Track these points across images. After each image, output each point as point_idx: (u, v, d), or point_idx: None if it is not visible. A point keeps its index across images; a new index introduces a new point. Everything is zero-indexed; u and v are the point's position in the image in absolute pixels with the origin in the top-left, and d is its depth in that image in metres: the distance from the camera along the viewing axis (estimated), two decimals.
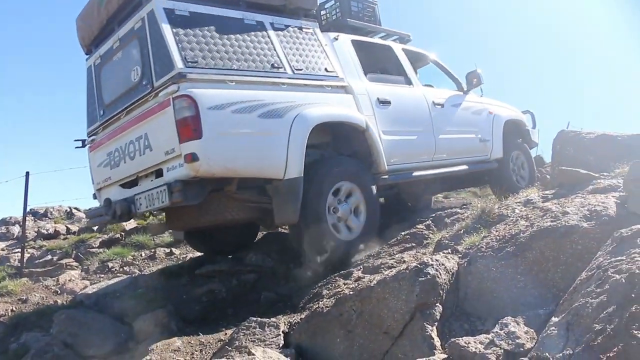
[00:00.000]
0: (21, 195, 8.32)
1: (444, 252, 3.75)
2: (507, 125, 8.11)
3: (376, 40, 7.26)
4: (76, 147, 6.35)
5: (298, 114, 5.21)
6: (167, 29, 4.79)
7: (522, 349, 2.48)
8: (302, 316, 3.75)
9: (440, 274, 3.20)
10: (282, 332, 3.61)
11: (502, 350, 2.49)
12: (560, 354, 2.19)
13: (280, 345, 3.48)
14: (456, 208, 6.12)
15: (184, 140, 4.59)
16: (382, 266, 4.27)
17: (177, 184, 4.59)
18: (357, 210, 5.66)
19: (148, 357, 3.76)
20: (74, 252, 8.37)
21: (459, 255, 3.62)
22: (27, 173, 8.32)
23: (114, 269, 7.28)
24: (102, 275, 7.12)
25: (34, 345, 4.80)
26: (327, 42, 6.15)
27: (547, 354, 2.25)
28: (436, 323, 3.00)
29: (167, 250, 7.85)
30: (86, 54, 6.26)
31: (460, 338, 2.69)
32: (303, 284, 5.01)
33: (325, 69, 5.84)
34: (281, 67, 5.41)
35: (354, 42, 6.52)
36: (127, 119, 5.42)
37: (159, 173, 5.04)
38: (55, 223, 10.85)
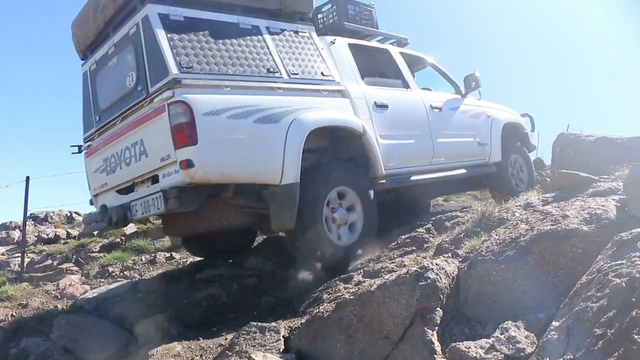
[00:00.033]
0: (21, 200, 8.33)
1: (444, 256, 3.74)
2: (506, 128, 8.09)
3: (373, 43, 7.24)
4: (72, 153, 6.34)
5: (294, 119, 5.18)
6: (161, 35, 4.77)
7: (522, 354, 2.48)
8: (303, 321, 3.74)
9: (441, 278, 3.20)
10: (283, 336, 3.61)
11: (503, 355, 2.49)
12: (561, 359, 2.18)
13: (281, 350, 3.48)
14: (456, 211, 6.12)
15: (179, 147, 4.56)
16: (383, 270, 4.27)
17: (173, 190, 4.57)
18: (355, 215, 5.63)
19: None
20: (74, 256, 8.35)
21: (460, 259, 3.61)
22: (28, 178, 8.32)
23: (114, 274, 7.27)
24: (103, 280, 7.11)
25: (34, 351, 4.79)
26: (324, 45, 6.12)
27: (547, 359, 2.25)
28: (436, 327, 2.99)
29: (168, 255, 7.84)
30: (82, 60, 6.24)
31: (460, 343, 2.68)
32: (303, 288, 5.01)
33: (322, 73, 5.81)
34: (277, 72, 5.38)
35: (350, 45, 6.50)
36: (122, 124, 5.40)
37: (155, 179, 5.01)
38: (55, 227, 10.82)
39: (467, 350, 2.57)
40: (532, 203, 4.33)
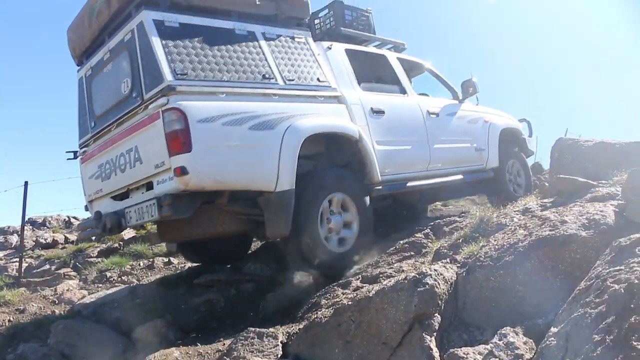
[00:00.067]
0: (20, 205, 8.33)
1: (442, 262, 3.74)
2: (503, 134, 8.06)
3: (370, 49, 7.22)
4: (68, 159, 6.33)
5: (290, 125, 5.16)
6: (156, 41, 4.75)
7: None
8: (301, 326, 3.73)
9: (439, 284, 3.20)
10: (281, 342, 3.60)
11: None
12: None
13: (279, 356, 3.47)
14: (454, 216, 6.12)
15: (174, 154, 4.54)
16: (381, 275, 4.25)
17: (167, 197, 4.55)
18: (350, 221, 5.60)
19: None
20: (72, 261, 8.35)
21: (458, 265, 3.61)
22: (26, 183, 8.34)
23: (112, 279, 7.27)
24: (100, 285, 7.10)
25: (31, 356, 4.79)
26: (320, 51, 6.10)
27: None
28: (435, 333, 2.99)
29: (166, 260, 7.84)
30: (77, 65, 6.23)
31: (459, 349, 2.68)
32: (302, 293, 4.99)
33: (318, 79, 5.79)
34: (272, 78, 5.35)
35: (347, 51, 6.47)
36: (117, 131, 5.39)
37: (149, 185, 4.99)
38: (53, 232, 10.83)
39: (465, 356, 2.57)
40: (530, 208, 4.33)
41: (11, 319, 5.87)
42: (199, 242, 6.49)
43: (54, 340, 5.03)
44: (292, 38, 5.84)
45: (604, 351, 2.05)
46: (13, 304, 6.33)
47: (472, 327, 3.10)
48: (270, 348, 3.52)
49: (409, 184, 6.35)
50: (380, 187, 5.94)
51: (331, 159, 5.97)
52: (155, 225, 6.44)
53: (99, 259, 8.21)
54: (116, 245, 8.76)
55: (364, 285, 4.16)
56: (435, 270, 3.33)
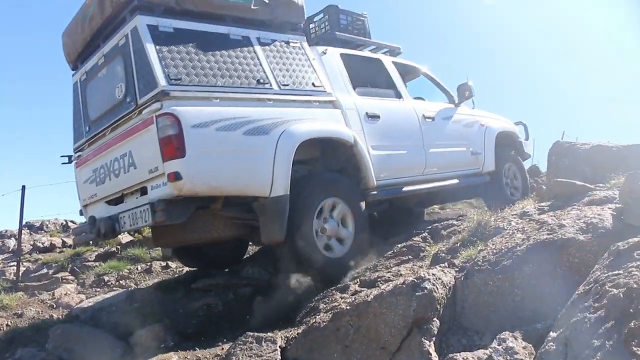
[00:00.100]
0: (17, 209, 8.32)
1: (440, 266, 3.74)
2: (500, 137, 8.05)
3: (365, 53, 7.19)
4: (62, 163, 6.32)
5: (284, 130, 5.14)
6: (150, 46, 4.74)
7: None
8: (299, 331, 3.73)
9: (437, 289, 3.20)
10: (279, 347, 3.59)
11: None
12: None
13: None
14: (452, 220, 6.12)
15: (167, 159, 4.52)
16: (379, 279, 4.26)
17: (160, 203, 4.53)
18: (346, 227, 5.59)
19: None
20: (70, 265, 8.33)
21: (456, 269, 3.61)
22: (23, 187, 8.33)
23: (110, 283, 7.25)
24: (98, 289, 7.09)
25: None
26: (315, 56, 6.08)
27: None
28: (434, 338, 2.99)
29: (163, 264, 7.82)
30: (72, 70, 6.21)
31: (457, 353, 2.69)
32: (300, 297, 4.99)
33: (313, 84, 5.77)
34: (267, 83, 5.33)
35: (342, 55, 6.45)
36: (111, 136, 5.37)
37: (144, 190, 4.97)
38: (51, 236, 10.78)
39: None
40: (528, 212, 4.33)
41: (9, 323, 5.85)
42: (194, 246, 6.47)
43: (52, 344, 5.01)
44: (287, 43, 5.83)
45: (603, 356, 2.06)
46: (11, 308, 6.31)
47: (471, 331, 3.10)
48: (269, 352, 3.51)
49: (405, 188, 6.32)
50: (375, 192, 5.92)
51: (326, 164, 5.96)
52: (151, 230, 6.43)
53: (97, 263, 8.19)
54: (114, 249, 8.74)
55: (363, 289, 4.16)
56: (433, 274, 3.33)
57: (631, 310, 2.14)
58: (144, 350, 4.65)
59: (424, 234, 5.27)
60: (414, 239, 5.22)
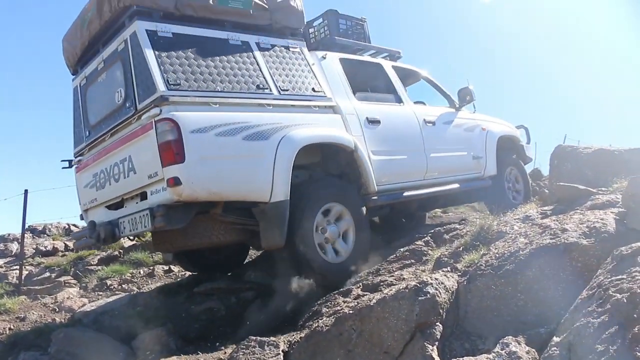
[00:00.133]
0: (20, 213, 8.32)
1: (443, 270, 3.74)
2: (501, 141, 8.03)
3: (365, 58, 7.19)
4: (63, 168, 6.32)
5: (284, 135, 5.13)
6: (149, 51, 4.73)
7: None
8: (302, 335, 3.72)
9: (440, 293, 3.20)
10: (282, 351, 3.58)
11: None
12: None
13: None
14: (454, 224, 6.10)
15: (167, 164, 4.52)
16: (382, 284, 4.25)
17: (160, 208, 4.52)
18: (346, 232, 5.57)
19: None
20: (73, 269, 8.32)
21: (459, 273, 3.61)
22: (26, 191, 8.34)
23: (112, 287, 7.25)
24: (101, 293, 7.09)
25: None
26: (315, 61, 6.07)
27: None
28: (437, 342, 2.99)
29: (166, 268, 7.83)
30: (72, 74, 6.22)
31: (460, 358, 2.69)
32: (302, 301, 4.98)
33: (313, 89, 5.75)
34: (267, 88, 5.32)
35: (342, 60, 6.44)
36: (111, 140, 5.37)
37: (144, 195, 4.97)
38: (53, 240, 10.78)
39: None
40: (530, 216, 4.33)
41: (12, 327, 5.86)
42: (195, 251, 6.46)
43: (55, 348, 5.01)
44: (287, 48, 5.83)
45: None
46: (13, 312, 6.32)
47: (474, 336, 3.10)
48: (272, 357, 3.51)
49: (406, 193, 6.30)
50: (376, 197, 5.90)
51: (327, 169, 5.97)
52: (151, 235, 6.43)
53: (99, 267, 8.19)
54: (116, 253, 8.74)
55: (365, 293, 4.15)
56: (436, 279, 3.33)
57: (635, 315, 2.14)
58: (146, 354, 4.66)
59: (426, 238, 5.26)
60: (417, 243, 5.21)
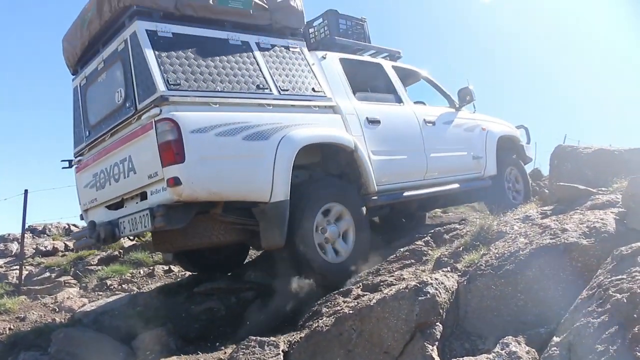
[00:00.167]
0: (20, 213, 8.32)
1: (443, 270, 3.74)
2: (501, 141, 8.03)
3: (365, 58, 7.19)
4: (63, 168, 6.32)
5: (284, 135, 5.13)
6: (149, 51, 4.73)
7: None
8: (302, 335, 3.72)
9: (440, 293, 3.20)
10: (282, 351, 3.58)
11: None
12: None
13: None
14: (454, 224, 6.10)
15: (167, 164, 4.52)
16: (382, 284, 4.25)
17: (160, 208, 4.51)
18: (346, 232, 5.57)
19: None
20: (73, 269, 8.32)
21: (459, 273, 3.61)
22: (26, 191, 8.34)
23: (112, 287, 7.25)
24: (101, 293, 7.09)
25: None
26: (315, 61, 6.07)
27: None
28: (437, 342, 2.99)
29: (166, 268, 7.83)
30: (72, 74, 6.22)
31: (461, 358, 2.68)
32: (302, 301, 4.99)
33: (313, 89, 5.75)
34: (267, 88, 5.32)
35: (342, 60, 6.44)
36: (111, 140, 5.37)
37: (144, 195, 4.96)
38: (53, 240, 10.78)
39: None
40: (530, 216, 4.33)
41: (12, 327, 5.86)
42: (195, 251, 6.45)
43: (55, 348, 5.01)
44: (287, 48, 5.83)
45: None
46: (13, 312, 6.32)
47: (474, 336, 3.11)
48: (272, 357, 3.51)
49: (406, 193, 6.30)
50: (376, 197, 5.90)
51: (327, 169, 5.97)
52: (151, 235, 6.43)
53: (99, 267, 8.19)
54: (116, 253, 8.74)
55: (365, 293, 4.15)
56: (436, 279, 3.33)
57: (635, 315, 2.14)
58: (146, 354, 4.66)
59: (426, 238, 5.26)
60: (417, 243, 5.21)
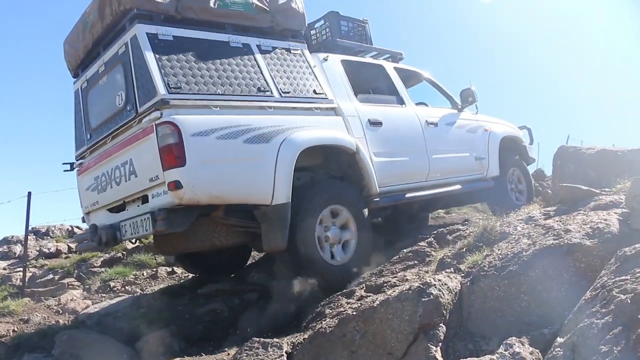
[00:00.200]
0: (23, 215, 8.34)
1: (446, 272, 3.74)
2: (503, 142, 8.02)
3: (367, 59, 7.19)
4: (64, 171, 6.32)
5: (285, 138, 5.12)
6: (149, 55, 4.73)
7: None
8: (305, 336, 3.72)
9: (443, 294, 3.19)
10: (285, 352, 3.58)
11: None
12: None
13: None
14: (457, 224, 6.09)
15: (167, 168, 4.52)
16: (385, 285, 4.25)
17: (161, 212, 4.52)
18: (348, 233, 5.57)
19: None
20: (76, 271, 8.34)
21: (462, 275, 3.61)
22: (29, 193, 8.36)
23: (115, 289, 7.26)
24: (104, 295, 7.10)
25: None
26: (316, 63, 6.07)
27: None
28: (440, 343, 2.98)
29: (169, 270, 7.83)
30: (73, 77, 6.22)
31: (464, 359, 2.67)
32: (305, 303, 4.98)
33: (314, 91, 5.76)
34: (268, 91, 5.32)
35: (343, 62, 6.44)
36: (112, 144, 5.38)
37: (145, 198, 4.97)
38: (57, 242, 10.79)
39: None
40: (533, 217, 4.32)
41: (15, 329, 5.88)
42: (197, 253, 6.46)
43: (59, 350, 5.02)
44: (288, 50, 5.82)
45: None
46: (17, 314, 6.33)
47: (478, 337, 3.10)
48: (275, 358, 3.51)
49: (408, 195, 6.30)
50: (378, 199, 5.90)
51: (328, 171, 5.96)
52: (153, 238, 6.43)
53: (103, 269, 8.20)
54: (119, 254, 8.75)
55: (369, 294, 4.15)
56: (439, 280, 3.33)
57: (639, 316, 2.14)
58: (150, 356, 4.67)
59: (429, 239, 5.26)
60: (420, 243, 5.21)
